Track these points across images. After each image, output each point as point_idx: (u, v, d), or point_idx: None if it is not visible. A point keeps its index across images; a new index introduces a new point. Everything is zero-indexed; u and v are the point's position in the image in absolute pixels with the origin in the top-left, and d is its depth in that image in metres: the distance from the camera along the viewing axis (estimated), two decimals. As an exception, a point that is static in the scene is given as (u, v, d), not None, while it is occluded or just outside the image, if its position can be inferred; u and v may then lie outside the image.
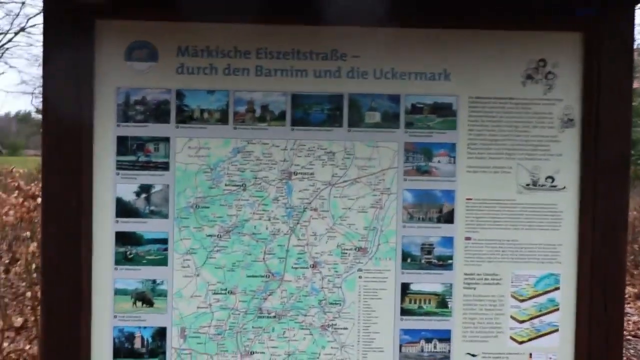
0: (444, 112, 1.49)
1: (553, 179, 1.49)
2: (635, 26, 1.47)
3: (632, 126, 1.47)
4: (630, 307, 5.47)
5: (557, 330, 1.50)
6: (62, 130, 1.43)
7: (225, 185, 1.47)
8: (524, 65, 1.48)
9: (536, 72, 1.48)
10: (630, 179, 1.47)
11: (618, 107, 1.46)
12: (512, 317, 1.50)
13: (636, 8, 1.50)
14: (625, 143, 1.46)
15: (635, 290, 5.73)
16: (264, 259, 1.48)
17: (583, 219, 1.47)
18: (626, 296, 5.69)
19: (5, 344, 3.56)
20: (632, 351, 4.38)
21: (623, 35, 1.45)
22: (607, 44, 1.45)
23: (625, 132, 1.46)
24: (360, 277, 1.49)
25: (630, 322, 5.05)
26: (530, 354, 1.51)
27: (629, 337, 4.70)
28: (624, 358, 4.24)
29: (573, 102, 1.49)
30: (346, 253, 1.48)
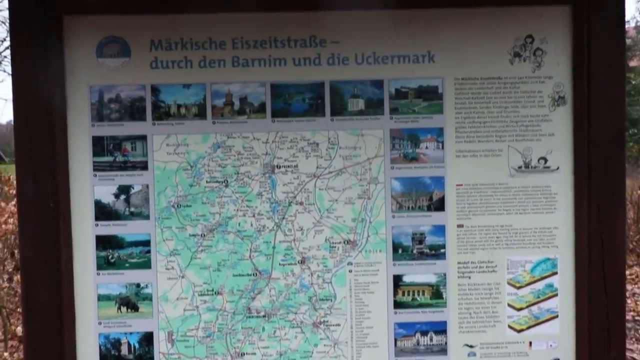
0: (430, 96, 1.43)
1: (546, 160, 1.43)
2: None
3: (625, 102, 1.41)
4: (638, 288, 5.42)
5: (556, 317, 1.45)
6: (34, 132, 1.38)
7: (207, 182, 1.42)
8: (510, 43, 1.42)
9: (523, 49, 1.42)
10: (625, 156, 1.41)
11: (611, 83, 1.39)
12: (509, 305, 1.45)
13: (626, -22, 1.44)
14: (619, 120, 1.40)
15: (642, 270, 5.69)
16: (250, 256, 1.43)
17: (578, 200, 1.42)
18: (633, 277, 5.64)
19: (6, 354, 3.54)
20: (640, 332, 4.33)
21: (613, 6, 1.39)
22: (597, 16, 1.39)
23: (619, 108, 1.40)
24: (350, 270, 1.44)
25: (638, 303, 5.00)
26: (530, 342, 1.45)
27: (637, 318, 4.65)
28: (633, 339, 4.18)
29: (564, 79, 1.43)
30: (335, 247, 1.43)
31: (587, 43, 1.39)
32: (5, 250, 6.03)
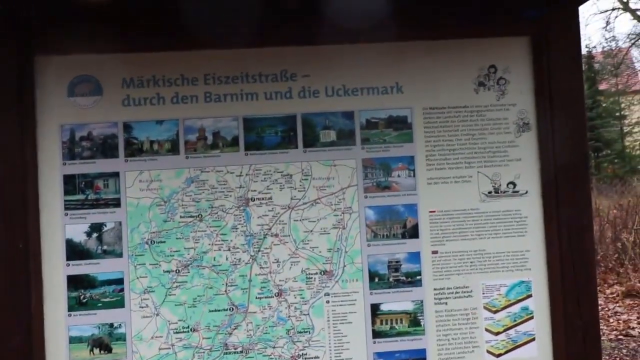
0: (400, 125, 1.46)
1: (514, 185, 1.47)
2: (580, 26, 1.47)
3: (587, 127, 1.46)
4: (619, 307, 5.46)
5: (533, 340, 1.46)
6: (4, 172, 1.36)
7: (181, 217, 1.42)
8: (475, 73, 1.48)
9: (487, 78, 1.48)
10: (590, 179, 1.46)
11: (572, 108, 1.45)
12: (487, 330, 1.45)
13: (581, 8, 1.51)
14: (582, 144, 1.45)
15: (623, 289, 5.74)
16: (226, 291, 1.42)
17: (548, 222, 1.45)
18: (614, 295, 5.69)
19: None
20: (624, 351, 4.34)
21: (570, 35, 1.46)
22: (555, 46, 1.45)
23: (581, 132, 1.45)
24: (327, 301, 1.43)
25: (620, 322, 5.03)
26: (510, 367, 1.46)
27: (620, 337, 4.67)
28: (618, 359, 4.20)
29: (527, 106, 1.48)
30: (311, 278, 1.43)
31: (547, 72, 1.45)
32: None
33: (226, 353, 1.41)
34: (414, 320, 1.44)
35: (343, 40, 1.45)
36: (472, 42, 1.48)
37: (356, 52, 1.47)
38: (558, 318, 1.44)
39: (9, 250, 1.35)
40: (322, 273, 1.43)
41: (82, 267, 1.39)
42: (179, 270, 1.41)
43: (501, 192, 1.46)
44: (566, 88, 1.45)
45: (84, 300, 1.39)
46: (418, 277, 1.45)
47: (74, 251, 1.39)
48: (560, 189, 1.44)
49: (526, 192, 1.47)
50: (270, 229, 1.43)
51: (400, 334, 1.44)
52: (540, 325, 1.46)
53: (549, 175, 1.45)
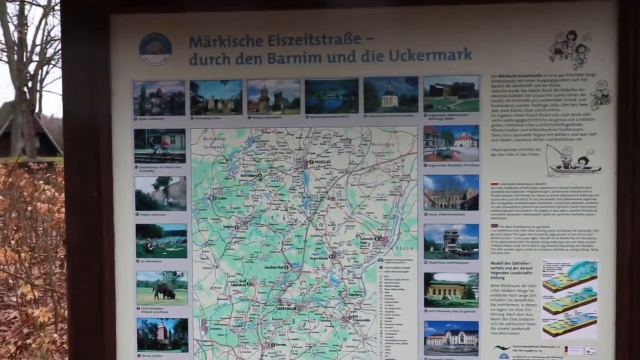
0: (465, 93, 1.41)
1: (587, 160, 1.38)
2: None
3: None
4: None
5: (595, 322, 1.40)
6: (81, 125, 1.45)
7: (241, 175, 1.46)
8: (551, 39, 1.38)
9: (565, 45, 1.38)
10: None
11: (659, 80, 1.33)
12: (544, 308, 1.41)
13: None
14: (668, 119, 1.34)
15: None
16: (282, 249, 1.46)
17: (621, 202, 1.36)
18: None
19: (55, 335, 3.74)
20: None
21: (664, 0, 1.32)
22: (645, 10, 1.33)
23: (668, 106, 1.33)
24: (381, 267, 1.44)
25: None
26: (566, 347, 1.41)
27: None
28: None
29: (607, 77, 1.37)
30: (366, 242, 1.44)
31: (634, 41, 1.33)
32: (59, 237, 6.36)
33: (280, 308, 1.46)
34: (468, 293, 1.42)
35: (409, 1, 1.40)
36: (551, 5, 1.38)
37: (423, 14, 1.41)
38: (624, 302, 1.36)
39: (84, 199, 1.45)
40: (377, 239, 1.44)
41: (149, 217, 1.47)
42: (238, 227, 1.46)
43: (571, 167, 1.39)
44: (655, 58, 1.33)
45: (151, 248, 1.48)
46: (475, 250, 1.42)
47: (143, 202, 1.48)
48: (638, 168, 1.34)
49: (599, 169, 1.38)
50: (327, 192, 1.44)
51: (452, 304, 1.43)
52: (604, 309, 1.39)
53: (627, 152, 1.35)
